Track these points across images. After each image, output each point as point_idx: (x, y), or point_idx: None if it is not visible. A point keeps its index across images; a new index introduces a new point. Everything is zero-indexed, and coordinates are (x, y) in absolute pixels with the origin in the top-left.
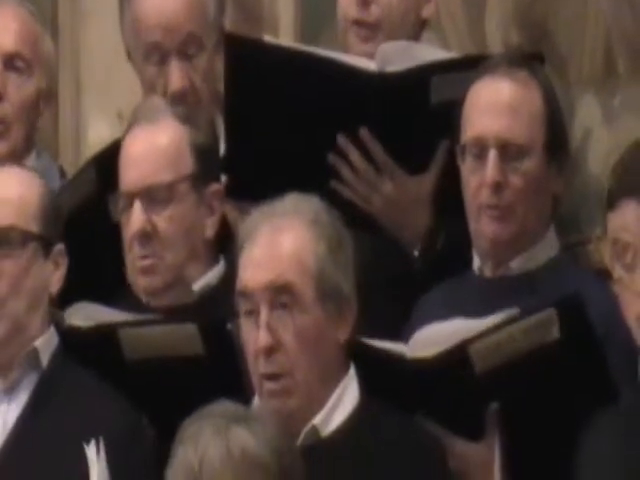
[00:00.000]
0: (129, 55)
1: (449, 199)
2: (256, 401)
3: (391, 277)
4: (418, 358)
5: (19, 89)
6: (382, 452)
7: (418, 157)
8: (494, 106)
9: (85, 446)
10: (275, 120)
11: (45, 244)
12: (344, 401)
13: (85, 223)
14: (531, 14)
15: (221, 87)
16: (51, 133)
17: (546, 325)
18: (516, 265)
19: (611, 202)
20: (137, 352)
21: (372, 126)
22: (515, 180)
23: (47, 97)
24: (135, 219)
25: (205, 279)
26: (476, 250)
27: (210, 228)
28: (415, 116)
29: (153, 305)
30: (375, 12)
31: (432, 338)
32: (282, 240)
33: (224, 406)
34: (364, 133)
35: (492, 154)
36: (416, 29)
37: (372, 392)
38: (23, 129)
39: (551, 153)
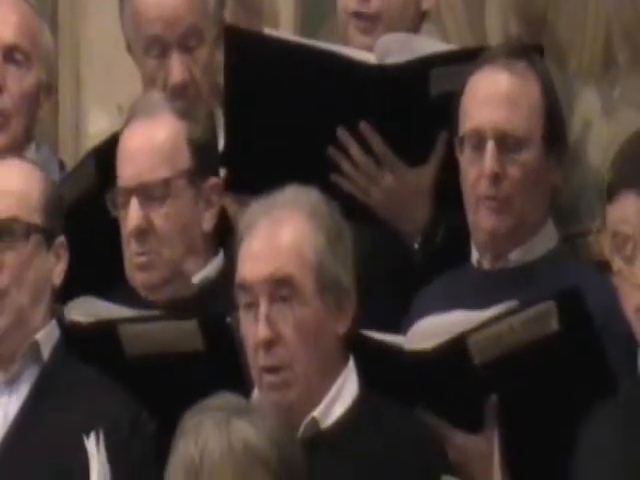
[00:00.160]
0: (129, 48)
1: (449, 191)
2: (255, 394)
3: (391, 270)
4: (417, 350)
5: (19, 81)
6: (382, 444)
7: (418, 149)
8: (492, 97)
9: (85, 439)
10: (275, 113)
11: (47, 236)
12: (343, 394)
13: (85, 216)
14: (531, 6)
15: (221, 80)
16: (51, 127)
17: (545, 317)
18: (515, 257)
19: (610, 194)
20: (137, 348)
21: (372, 118)
22: (513, 171)
23: (47, 90)
24: (132, 216)
25: (204, 272)
26: (474, 242)
27: (208, 222)
28: (414, 108)
29: (152, 299)
30: (375, 4)
31: (431, 330)
32: (281, 232)
33: (224, 399)
34: (364, 126)
35: (490, 145)
36: (416, 21)
37: (371, 384)
38: (23, 122)
39: (549, 144)
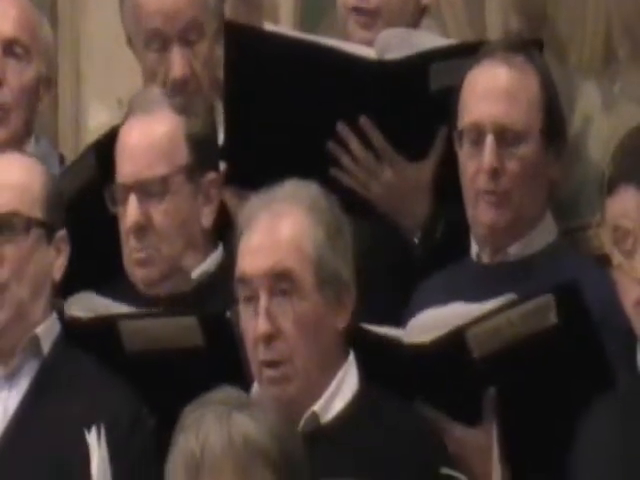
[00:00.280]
0: (129, 42)
1: (448, 186)
2: (255, 388)
3: (391, 264)
4: (415, 343)
5: (18, 75)
6: (382, 438)
7: (417, 144)
8: (491, 92)
9: (86, 432)
10: (274, 108)
11: (48, 230)
12: (343, 388)
13: (85, 209)
14: (531, 1)
15: (221, 74)
16: (51, 120)
17: (543, 310)
18: (514, 251)
19: (610, 187)
20: (137, 344)
21: (371, 113)
22: (512, 166)
23: (46, 83)
24: (131, 212)
25: (203, 267)
26: (474, 236)
27: (207, 217)
28: (414, 103)
29: (151, 294)
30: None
31: (430, 323)
32: (281, 226)
33: (225, 393)
34: (364, 120)
35: (489, 140)
36: (415, 16)
37: (370, 377)
38: (22, 115)
39: (548, 138)
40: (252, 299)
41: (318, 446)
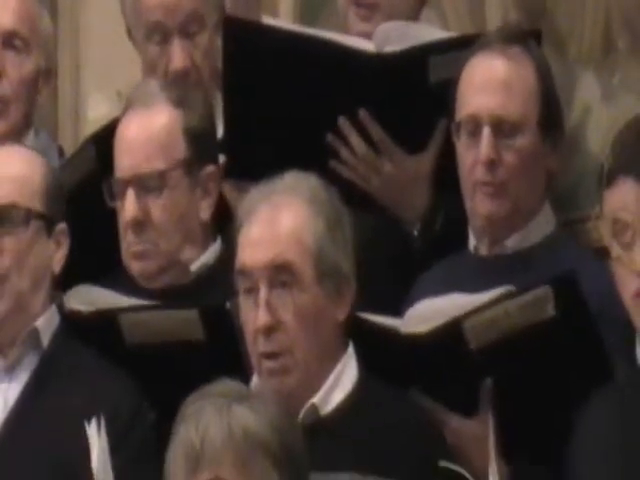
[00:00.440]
0: (129, 34)
1: (448, 178)
2: (255, 380)
3: (391, 256)
4: (412, 333)
5: (18, 68)
6: (381, 430)
7: (417, 137)
8: (488, 83)
9: (86, 423)
10: (273, 101)
11: (48, 222)
12: (343, 380)
13: (85, 202)
14: None
15: (221, 66)
16: (50, 113)
17: (541, 302)
18: (511, 243)
19: (608, 179)
20: (138, 337)
21: (371, 106)
22: (509, 157)
23: (46, 76)
24: (128, 207)
25: (202, 259)
26: (472, 228)
27: (206, 210)
28: (413, 96)
29: (150, 287)
30: None
31: (427, 313)
32: (281, 218)
33: (225, 385)
34: (363, 113)
35: (486, 131)
36: (415, 8)
37: (368, 367)
38: (22, 108)
39: (545, 130)
40: (252, 291)
41: (317, 438)
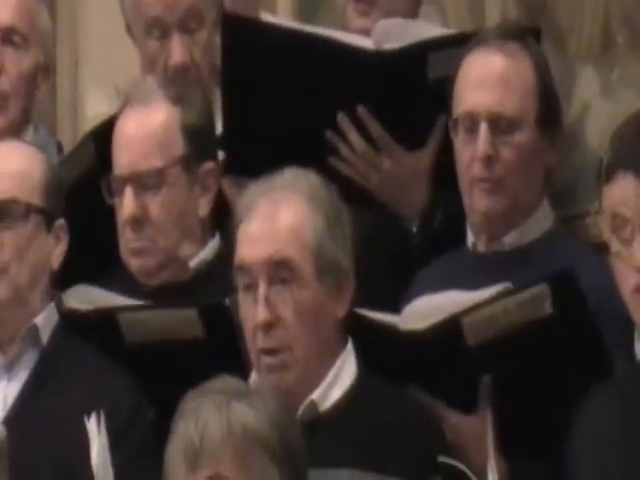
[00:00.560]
0: (129, 30)
1: (447, 175)
2: (253, 376)
3: (390, 253)
4: (411, 330)
5: (16, 63)
6: (380, 426)
7: (416, 133)
8: (485, 79)
9: (86, 420)
10: (272, 98)
11: (47, 218)
12: (342, 376)
13: (84, 198)
14: None
15: (220, 63)
16: (49, 108)
17: (539, 299)
18: (510, 240)
19: (607, 175)
20: (137, 335)
21: (370, 103)
22: (506, 153)
23: (45, 72)
24: (127, 205)
25: (200, 256)
26: (470, 225)
27: (204, 207)
28: (412, 93)
29: (148, 284)
30: None
31: (426, 310)
32: (280, 215)
33: (224, 382)
34: (362, 110)
35: (483, 127)
36: (413, 4)
37: (367, 363)
38: (21, 103)
39: (543, 126)
40: (251, 287)
41: (316, 434)
